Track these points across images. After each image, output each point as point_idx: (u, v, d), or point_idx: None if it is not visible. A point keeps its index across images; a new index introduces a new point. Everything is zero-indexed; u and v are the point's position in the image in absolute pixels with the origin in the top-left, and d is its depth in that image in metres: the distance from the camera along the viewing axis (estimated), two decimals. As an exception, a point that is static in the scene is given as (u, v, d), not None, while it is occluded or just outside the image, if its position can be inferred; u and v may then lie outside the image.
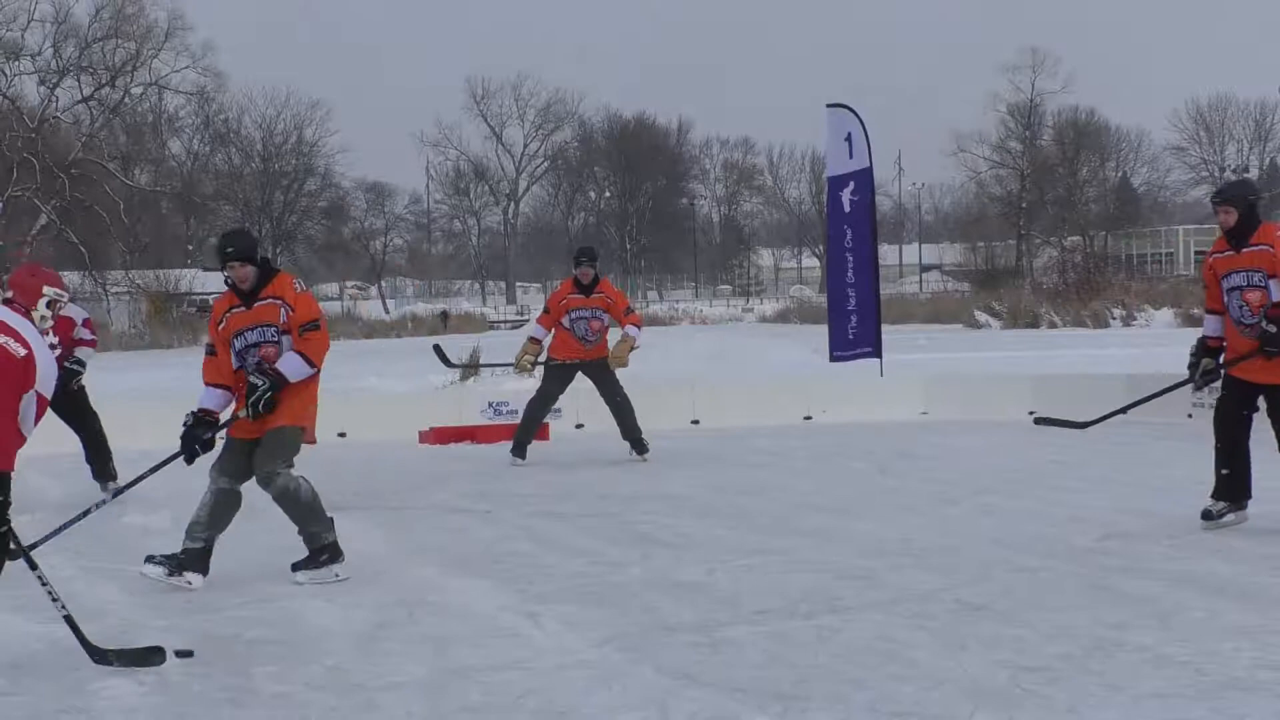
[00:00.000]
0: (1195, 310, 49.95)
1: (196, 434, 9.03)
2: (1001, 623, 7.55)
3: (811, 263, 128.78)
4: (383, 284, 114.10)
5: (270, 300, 9.12)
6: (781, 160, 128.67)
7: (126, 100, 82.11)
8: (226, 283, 9.20)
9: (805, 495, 12.76)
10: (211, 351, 9.26)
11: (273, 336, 9.11)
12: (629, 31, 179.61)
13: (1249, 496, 10.22)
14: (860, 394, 19.83)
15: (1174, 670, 6.56)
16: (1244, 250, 10.09)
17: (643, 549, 10.08)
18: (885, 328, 22.72)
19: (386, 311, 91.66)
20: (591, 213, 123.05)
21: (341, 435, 18.35)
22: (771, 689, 6.41)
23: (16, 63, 75.90)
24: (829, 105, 21.94)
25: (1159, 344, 35.64)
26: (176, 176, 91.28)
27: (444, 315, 78.78)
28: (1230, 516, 10.17)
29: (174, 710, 6.40)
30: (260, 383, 8.97)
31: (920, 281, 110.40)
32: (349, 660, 7.13)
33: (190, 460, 9.09)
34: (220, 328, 9.19)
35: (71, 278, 62.98)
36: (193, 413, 9.08)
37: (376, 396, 22.76)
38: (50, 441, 17.39)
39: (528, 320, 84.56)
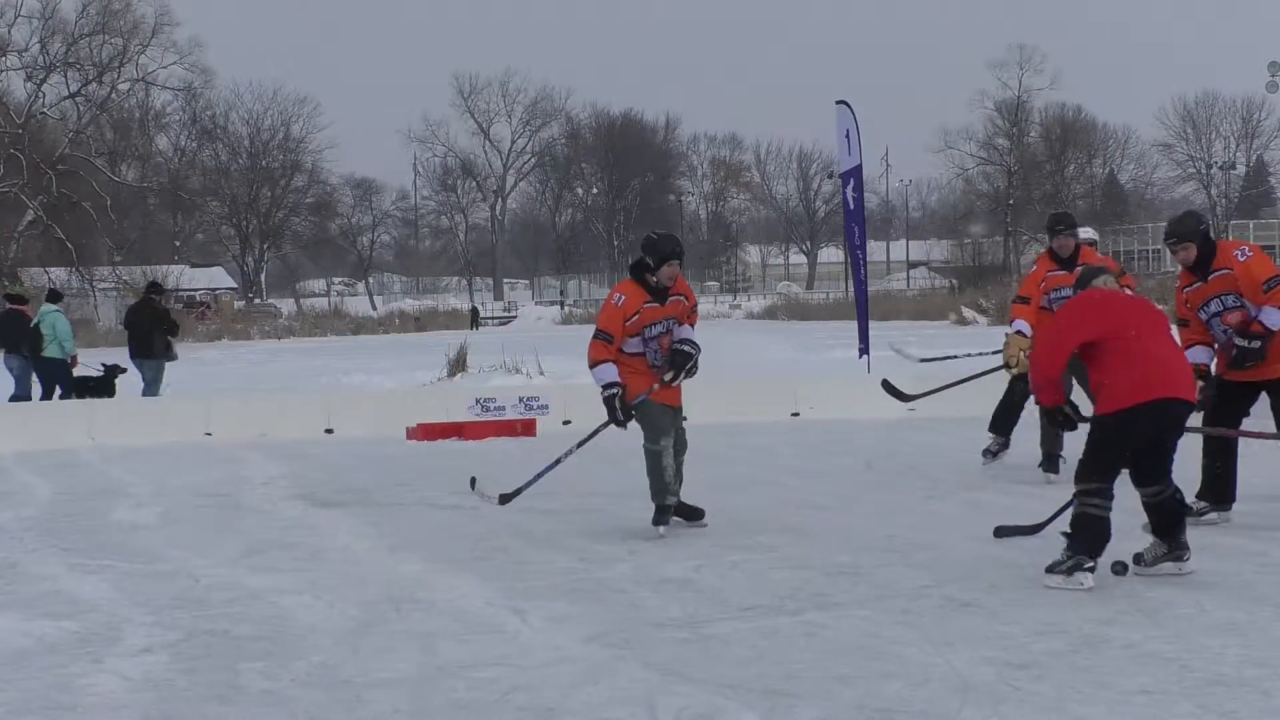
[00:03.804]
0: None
1: (624, 403, 10.45)
2: (989, 619, 7.56)
3: (799, 259, 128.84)
4: (370, 280, 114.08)
5: (676, 297, 10.62)
6: (769, 157, 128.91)
7: (113, 96, 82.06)
8: (646, 279, 10.49)
9: (792, 492, 12.77)
10: (608, 339, 10.42)
11: (668, 330, 10.63)
12: (616, 28, 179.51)
13: (1234, 500, 10.27)
14: (847, 391, 19.83)
15: (1160, 666, 6.57)
16: (1211, 278, 10.21)
17: (629, 545, 10.08)
18: (872, 324, 22.79)
19: (374, 308, 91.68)
20: (579, 209, 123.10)
21: (329, 431, 18.36)
22: (759, 685, 6.41)
23: (3, 59, 75.83)
24: (837, 102, 21.93)
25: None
26: (163, 173, 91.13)
27: (474, 313, 78.38)
28: (1212, 515, 10.22)
29: (161, 707, 6.38)
30: (693, 351, 10.61)
31: (907, 278, 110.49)
32: (336, 657, 7.12)
33: (624, 424, 10.59)
34: (631, 321, 10.46)
35: (58, 274, 62.88)
36: (615, 383, 10.40)
37: (364, 393, 22.76)
38: (38, 439, 17.48)
39: (515, 316, 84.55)
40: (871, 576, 8.78)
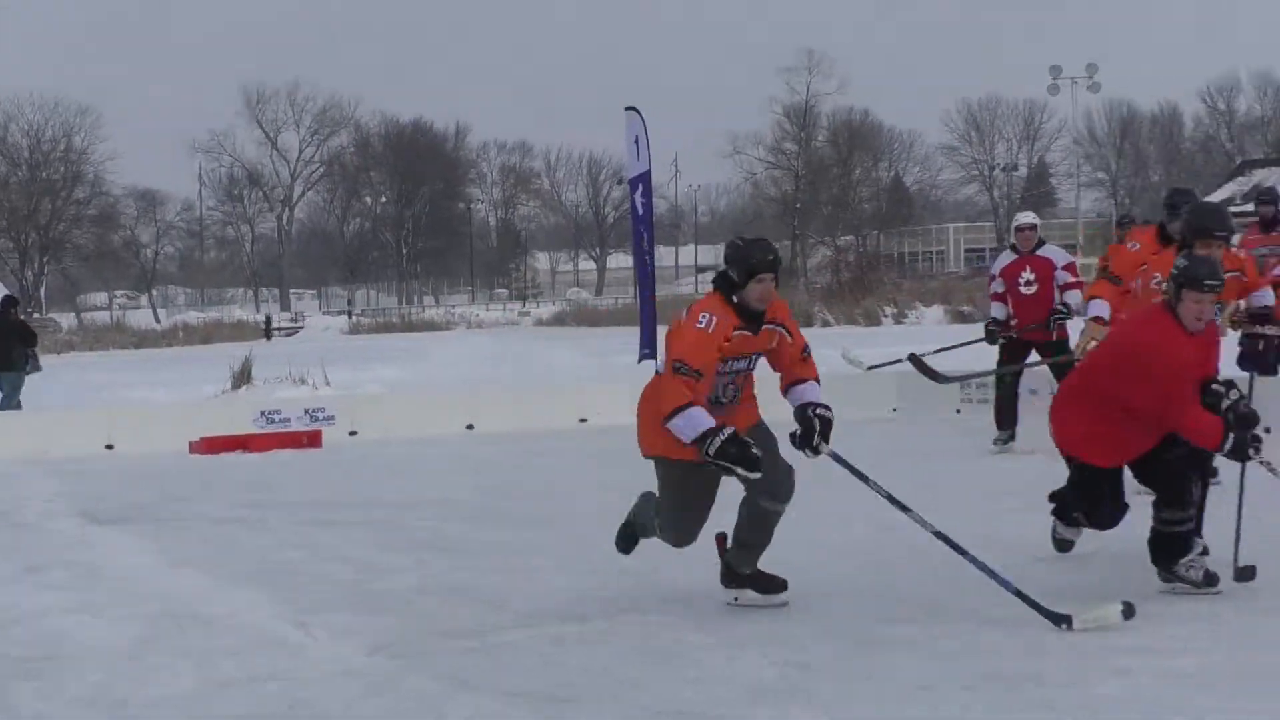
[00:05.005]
0: (965, 308, 50.90)
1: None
2: (772, 621, 7.61)
3: (588, 265, 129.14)
4: (153, 292, 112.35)
5: (771, 326, 7.92)
6: (559, 163, 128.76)
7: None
8: (732, 296, 7.87)
9: (574, 496, 12.76)
10: (694, 375, 7.63)
11: (752, 365, 7.98)
12: (406, 35, 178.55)
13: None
14: (633, 397, 19.83)
15: (938, 664, 6.64)
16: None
17: (416, 555, 10.00)
18: (660, 330, 22.85)
19: (157, 320, 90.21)
20: (367, 218, 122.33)
21: (109, 447, 18.01)
22: (546, 692, 6.38)
23: None
24: (626, 108, 21.98)
25: (930, 341, 36.26)
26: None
27: (268, 323, 77.43)
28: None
29: (-72, 733, 6.21)
30: (830, 416, 7.72)
31: (696, 282, 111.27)
32: (113, 676, 6.95)
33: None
34: (723, 347, 7.74)
35: None
36: (714, 429, 7.49)
37: (145, 407, 22.37)
38: None
39: (302, 327, 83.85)
40: (660, 580, 8.78)
